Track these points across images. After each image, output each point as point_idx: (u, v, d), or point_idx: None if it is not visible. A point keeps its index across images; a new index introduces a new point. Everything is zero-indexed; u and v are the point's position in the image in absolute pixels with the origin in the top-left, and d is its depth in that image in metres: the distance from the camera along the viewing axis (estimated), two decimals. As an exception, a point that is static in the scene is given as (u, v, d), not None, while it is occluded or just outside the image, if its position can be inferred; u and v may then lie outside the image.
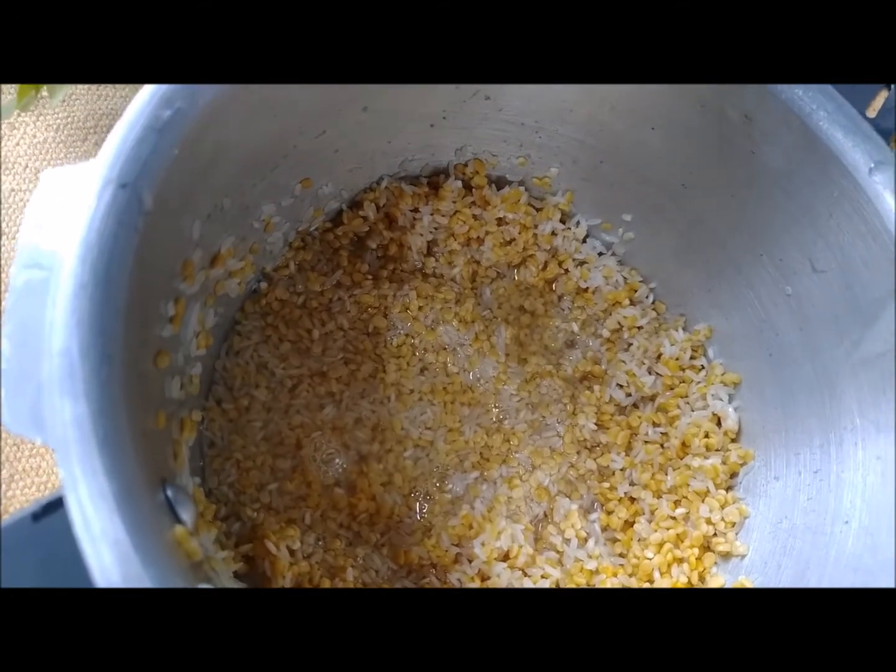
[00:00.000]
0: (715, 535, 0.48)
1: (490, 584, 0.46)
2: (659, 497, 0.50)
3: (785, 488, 0.46)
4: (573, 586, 0.47)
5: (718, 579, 0.47)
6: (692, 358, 0.53)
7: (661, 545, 0.48)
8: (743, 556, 0.47)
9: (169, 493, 0.32)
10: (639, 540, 0.49)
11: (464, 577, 0.46)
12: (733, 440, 0.51)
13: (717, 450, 0.51)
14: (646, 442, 0.52)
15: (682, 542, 0.48)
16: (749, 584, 0.44)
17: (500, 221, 0.55)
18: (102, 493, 0.24)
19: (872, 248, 0.40)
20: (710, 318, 0.53)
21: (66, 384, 0.26)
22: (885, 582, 0.36)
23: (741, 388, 0.51)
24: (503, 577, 0.46)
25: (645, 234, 0.54)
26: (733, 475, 0.50)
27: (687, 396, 0.53)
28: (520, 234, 0.55)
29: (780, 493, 0.46)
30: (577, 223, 0.56)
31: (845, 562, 0.39)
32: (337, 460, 0.48)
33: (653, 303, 0.56)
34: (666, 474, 0.50)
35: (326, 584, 0.41)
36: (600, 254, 0.57)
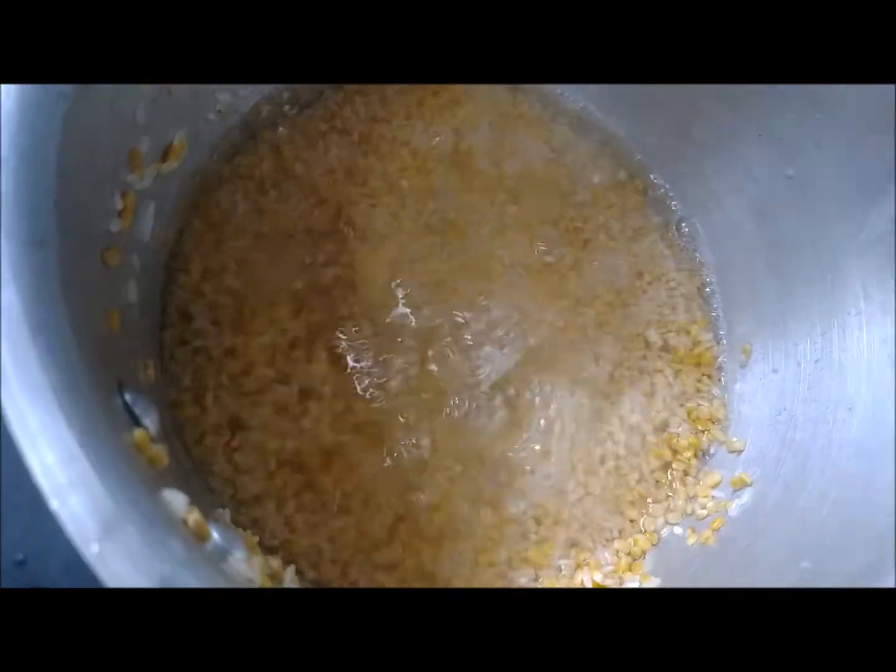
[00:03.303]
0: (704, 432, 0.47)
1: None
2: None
3: (783, 380, 0.44)
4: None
5: (714, 476, 0.45)
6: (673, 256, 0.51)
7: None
8: (740, 452, 0.45)
9: (127, 397, 0.29)
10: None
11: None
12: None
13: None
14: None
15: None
16: (748, 479, 0.43)
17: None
18: (38, 385, 0.21)
19: (884, 117, 0.37)
20: (704, 205, 0.50)
21: (-11, 269, 0.23)
22: (885, 463, 0.35)
23: (735, 283, 0.49)
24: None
25: (634, 121, 0.51)
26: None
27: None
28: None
29: (779, 386, 0.44)
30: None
31: (848, 448, 0.37)
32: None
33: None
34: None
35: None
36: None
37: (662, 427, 0.47)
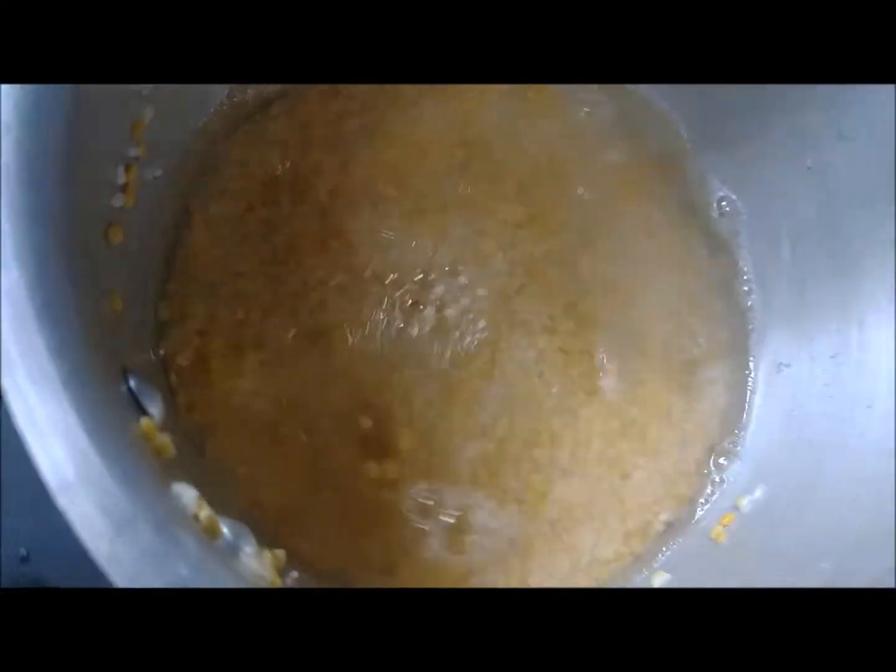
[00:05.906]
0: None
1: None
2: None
3: (797, 375, 0.43)
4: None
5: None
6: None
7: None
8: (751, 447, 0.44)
9: (132, 383, 0.28)
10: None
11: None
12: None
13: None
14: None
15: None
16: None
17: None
18: (45, 373, 0.20)
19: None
20: (720, 192, 0.48)
21: (-9, 247, 0.21)
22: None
23: (750, 274, 0.48)
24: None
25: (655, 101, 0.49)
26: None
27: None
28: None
29: (792, 381, 0.44)
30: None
31: (868, 447, 0.37)
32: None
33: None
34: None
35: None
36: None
37: (671, 418, 0.46)
